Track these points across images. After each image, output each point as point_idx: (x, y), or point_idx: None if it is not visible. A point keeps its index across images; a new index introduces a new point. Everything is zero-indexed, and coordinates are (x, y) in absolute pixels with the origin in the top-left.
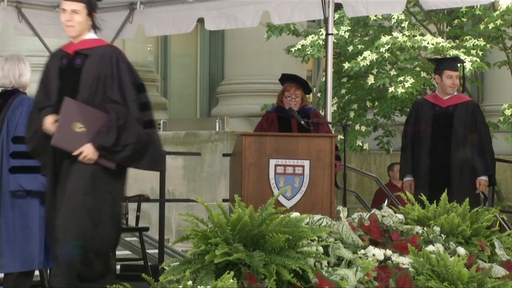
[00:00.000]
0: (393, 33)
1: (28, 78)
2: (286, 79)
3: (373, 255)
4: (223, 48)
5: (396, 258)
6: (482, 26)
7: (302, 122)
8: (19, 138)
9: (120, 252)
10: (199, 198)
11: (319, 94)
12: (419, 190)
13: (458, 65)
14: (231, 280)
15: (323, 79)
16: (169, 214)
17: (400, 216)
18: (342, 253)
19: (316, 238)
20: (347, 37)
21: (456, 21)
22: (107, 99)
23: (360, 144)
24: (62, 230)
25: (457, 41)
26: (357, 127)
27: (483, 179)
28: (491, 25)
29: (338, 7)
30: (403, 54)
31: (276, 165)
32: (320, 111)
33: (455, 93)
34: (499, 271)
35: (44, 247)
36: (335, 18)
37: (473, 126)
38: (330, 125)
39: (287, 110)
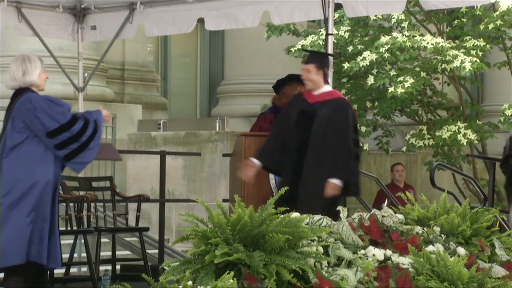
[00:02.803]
0: (393, 33)
1: (35, 76)
2: (294, 79)
3: (373, 255)
4: (223, 48)
5: (396, 258)
6: (482, 27)
7: None
8: (52, 132)
9: (120, 252)
10: (199, 198)
11: None
12: (284, 185)
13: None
14: (231, 280)
15: None
16: (169, 214)
17: (400, 216)
18: (342, 253)
19: (316, 238)
20: (347, 37)
21: (456, 22)
22: None
23: (360, 144)
24: None
25: (457, 41)
26: None
27: (332, 182)
28: (491, 26)
29: (338, 7)
30: (403, 54)
31: None
32: None
33: (329, 89)
34: (499, 271)
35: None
36: (335, 18)
37: (336, 125)
38: None
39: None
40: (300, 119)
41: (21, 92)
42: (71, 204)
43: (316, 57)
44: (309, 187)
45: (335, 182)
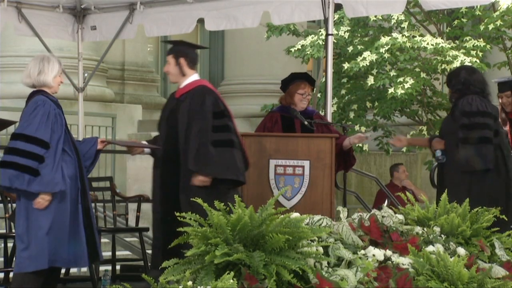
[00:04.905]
0: (392, 33)
1: (50, 78)
2: (297, 77)
3: (373, 255)
4: (223, 48)
5: (396, 258)
6: (482, 27)
7: (306, 123)
8: (15, 135)
9: (120, 252)
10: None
11: (319, 95)
12: (155, 191)
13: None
14: (231, 281)
15: (323, 79)
16: None
17: (400, 217)
18: (342, 253)
19: (316, 239)
20: (347, 37)
21: (456, 22)
22: None
23: (360, 145)
24: None
25: (457, 41)
26: (356, 127)
27: (196, 178)
28: (491, 26)
29: (338, 7)
30: (403, 55)
31: (276, 166)
32: (320, 112)
33: (194, 79)
34: (499, 271)
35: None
36: (335, 19)
37: (195, 115)
38: (333, 126)
39: (291, 110)
40: (169, 118)
41: (35, 94)
42: None
43: (173, 47)
44: (188, 195)
45: (199, 178)
